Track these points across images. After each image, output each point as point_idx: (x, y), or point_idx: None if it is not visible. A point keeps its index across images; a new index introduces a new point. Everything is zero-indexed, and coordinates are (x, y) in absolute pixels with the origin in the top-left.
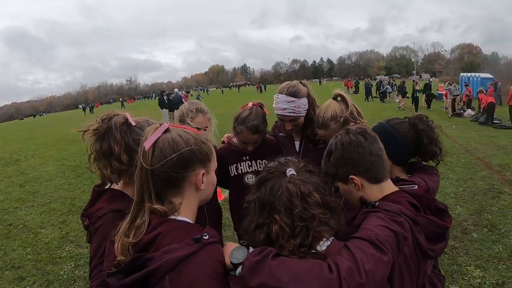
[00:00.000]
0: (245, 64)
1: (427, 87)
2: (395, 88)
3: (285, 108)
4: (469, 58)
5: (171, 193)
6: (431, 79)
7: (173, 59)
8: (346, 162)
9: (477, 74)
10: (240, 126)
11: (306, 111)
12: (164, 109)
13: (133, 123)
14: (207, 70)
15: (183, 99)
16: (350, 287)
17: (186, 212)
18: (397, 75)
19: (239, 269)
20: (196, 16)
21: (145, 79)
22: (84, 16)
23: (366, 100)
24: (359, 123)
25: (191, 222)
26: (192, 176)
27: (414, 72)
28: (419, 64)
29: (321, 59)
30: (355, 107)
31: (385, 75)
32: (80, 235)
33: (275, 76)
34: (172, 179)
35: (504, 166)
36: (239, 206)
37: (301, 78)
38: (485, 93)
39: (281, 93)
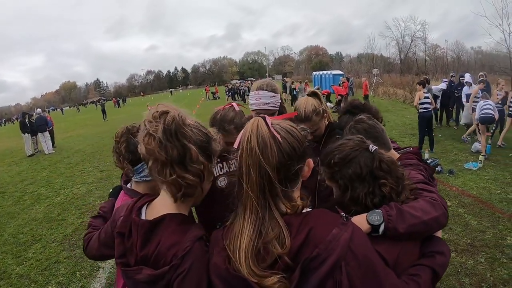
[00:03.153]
0: (98, 79)
1: (283, 86)
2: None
3: (268, 103)
4: (317, 58)
5: (291, 187)
6: (285, 79)
7: (19, 78)
8: (371, 141)
9: (329, 72)
10: (228, 125)
11: None
12: (26, 134)
13: (191, 122)
14: (58, 87)
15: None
16: (444, 206)
17: None
18: (252, 78)
19: (382, 226)
20: (45, 27)
21: None
22: None
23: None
24: (327, 112)
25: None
26: (304, 166)
27: (267, 74)
28: (270, 66)
29: (175, 68)
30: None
31: (238, 79)
32: None
33: (130, 89)
34: (294, 172)
35: None
36: (210, 212)
37: (156, 89)
38: (341, 87)
39: (262, 89)
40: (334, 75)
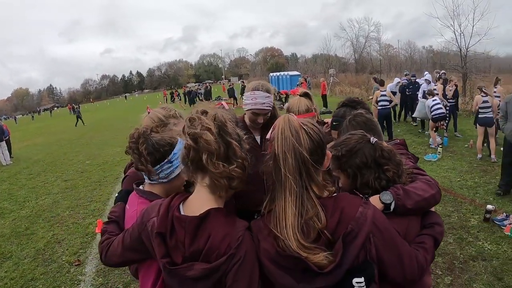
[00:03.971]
0: (51, 85)
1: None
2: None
3: (264, 103)
4: (274, 59)
5: (319, 173)
6: (243, 81)
7: None
8: (368, 132)
9: (285, 73)
10: None
11: None
12: None
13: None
14: (10, 95)
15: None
16: (438, 185)
17: None
18: (210, 81)
19: (393, 204)
20: None
21: None
22: None
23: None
24: (317, 111)
25: None
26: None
27: (223, 76)
28: (226, 69)
29: (130, 72)
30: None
31: (194, 82)
32: None
33: (85, 95)
34: (321, 156)
35: None
36: None
37: (111, 94)
38: (299, 88)
39: (258, 90)
40: (291, 76)
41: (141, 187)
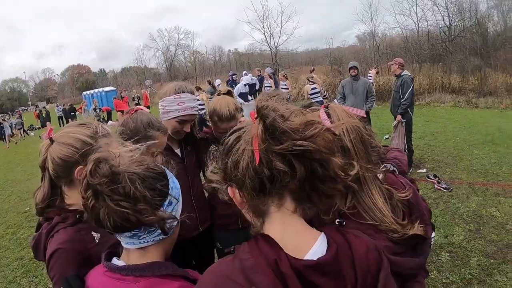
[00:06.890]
0: None
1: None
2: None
3: (193, 107)
4: (83, 77)
5: None
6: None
7: None
8: None
9: (100, 89)
10: (153, 130)
11: None
12: None
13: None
14: None
15: None
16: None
17: None
18: (24, 108)
19: (396, 171)
20: None
21: None
22: None
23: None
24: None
25: None
26: None
27: (29, 103)
28: (31, 94)
29: None
30: None
31: None
32: None
33: None
34: None
35: None
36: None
37: None
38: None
39: (183, 92)
40: (106, 92)
41: (115, 261)
